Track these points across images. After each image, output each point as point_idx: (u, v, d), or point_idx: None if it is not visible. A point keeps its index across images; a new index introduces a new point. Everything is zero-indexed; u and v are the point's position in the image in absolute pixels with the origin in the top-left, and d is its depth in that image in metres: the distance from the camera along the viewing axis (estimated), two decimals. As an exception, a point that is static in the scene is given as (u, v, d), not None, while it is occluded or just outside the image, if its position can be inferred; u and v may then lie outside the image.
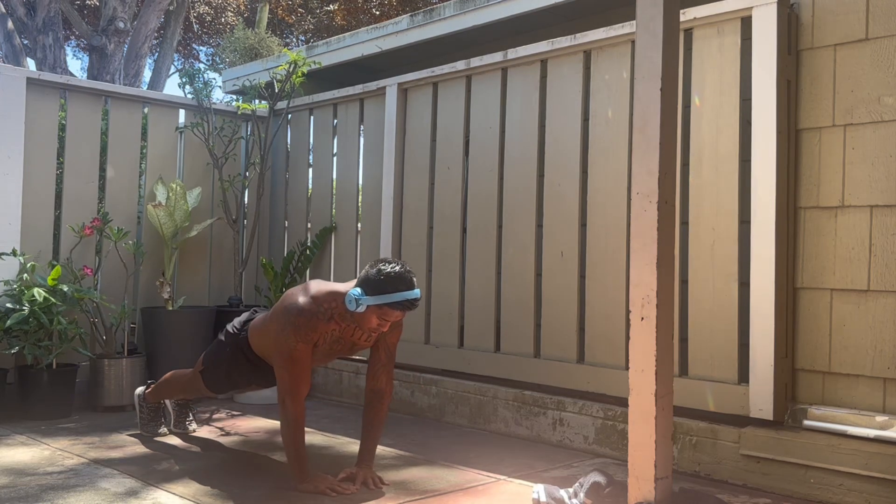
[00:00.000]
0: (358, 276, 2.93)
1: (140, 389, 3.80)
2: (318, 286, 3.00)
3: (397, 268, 2.83)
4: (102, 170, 4.78)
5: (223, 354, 3.36)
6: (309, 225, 5.22)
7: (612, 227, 3.61)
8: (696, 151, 3.35)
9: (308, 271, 5.08)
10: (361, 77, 5.45)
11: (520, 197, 4.00)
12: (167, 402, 3.78)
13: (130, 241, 4.61)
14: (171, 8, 14.20)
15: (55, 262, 4.31)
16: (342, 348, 3.10)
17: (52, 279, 4.09)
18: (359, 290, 2.82)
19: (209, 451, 3.51)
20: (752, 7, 3.16)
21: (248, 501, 2.78)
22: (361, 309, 2.81)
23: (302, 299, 2.94)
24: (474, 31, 4.96)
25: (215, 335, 4.81)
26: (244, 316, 3.41)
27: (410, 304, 2.84)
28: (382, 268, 2.82)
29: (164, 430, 3.74)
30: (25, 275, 4.13)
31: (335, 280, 4.95)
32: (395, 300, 2.80)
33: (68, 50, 17.36)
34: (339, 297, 2.93)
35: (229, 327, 3.40)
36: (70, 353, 4.18)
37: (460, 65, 4.27)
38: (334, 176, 5.09)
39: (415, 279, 2.87)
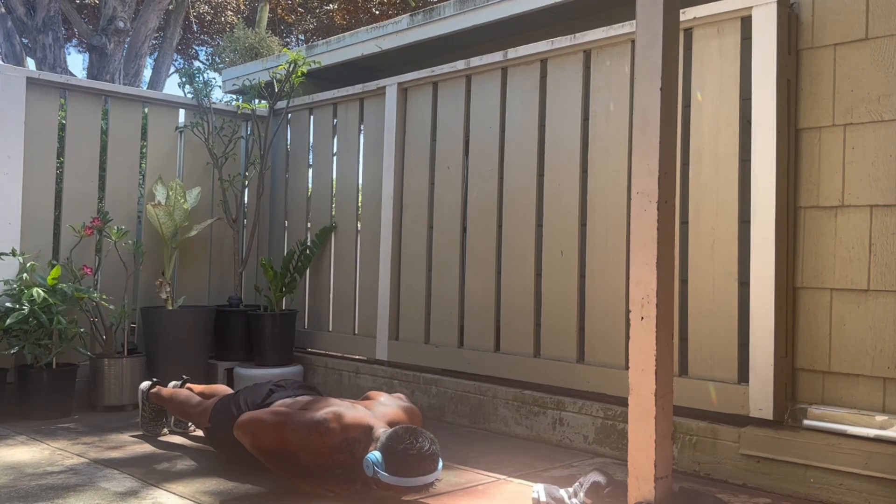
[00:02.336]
0: (384, 433, 2.75)
1: (145, 385, 3.77)
2: (355, 416, 2.88)
3: (424, 448, 2.66)
4: (102, 169, 4.78)
5: (232, 431, 3.16)
6: (309, 225, 5.22)
7: (612, 227, 3.61)
8: (696, 151, 3.35)
9: (308, 271, 5.08)
10: (361, 77, 5.46)
11: (520, 196, 4.00)
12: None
13: (130, 241, 4.61)
14: (170, 8, 14.20)
15: (55, 262, 4.31)
16: (343, 468, 2.99)
17: (52, 279, 4.09)
18: (379, 457, 2.67)
19: (209, 450, 3.51)
20: (751, 7, 3.16)
21: (248, 501, 2.78)
22: (376, 477, 2.70)
23: (334, 425, 2.83)
24: (474, 31, 4.96)
25: (215, 335, 4.84)
26: (262, 394, 3.26)
27: (426, 488, 2.73)
28: (408, 446, 2.65)
29: (164, 430, 3.74)
30: (25, 274, 4.13)
31: (334, 274, 4.96)
32: (411, 485, 2.68)
33: (68, 49, 17.35)
34: (366, 439, 2.83)
35: (243, 403, 3.23)
36: (70, 352, 4.19)
37: (460, 64, 4.27)
38: (334, 176, 5.09)
39: (439, 458, 2.72)
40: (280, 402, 3.15)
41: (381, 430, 2.82)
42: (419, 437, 2.68)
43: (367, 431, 2.84)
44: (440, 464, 2.72)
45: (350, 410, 2.92)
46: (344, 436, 2.82)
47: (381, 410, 3.01)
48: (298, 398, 3.16)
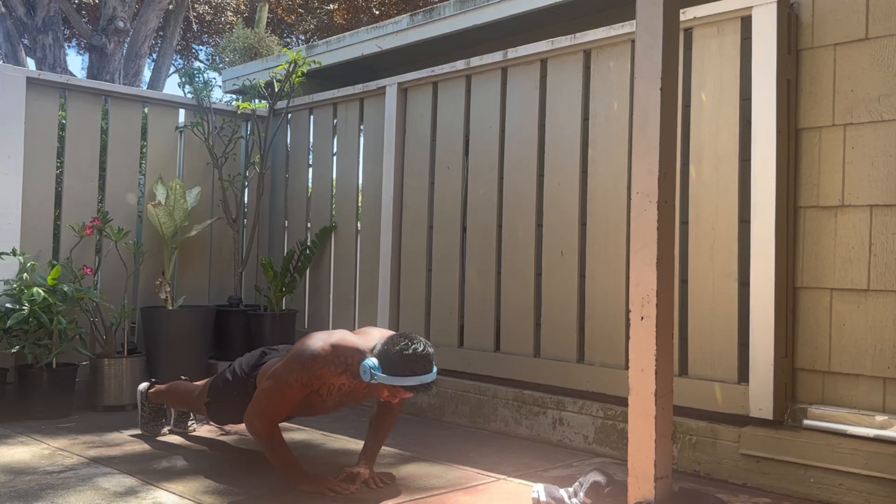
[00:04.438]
0: (379, 342, 2.85)
1: (143, 386, 3.77)
2: (342, 337, 2.95)
3: (419, 349, 2.76)
4: (102, 169, 4.78)
5: (230, 396, 3.26)
6: (309, 224, 5.22)
7: (612, 227, 3.61)
8: (696, 151, 3.35)
9: (308, 271, 5.08)
10: (361, 77, 5.46)
11: (520, 196, 4.00)
12: (167, 402, 3.78)
13: (130, 241, 4.61)
14: (170, 7, 14.20)
15: (55, 262, 4.31)
16: (353, 400, 3.05)
17: (52, 279, 4.09)
18: (376, 362, 2.77)
19: (209, 450, 3.51)
20: (751, 7, 3.17)
21: (247, 501, 2.78)
22: (375, 381, 2.78)
23: (321, 345, 2.89)
24: (474, 31, 4.96)
25: (215, 335, 4.84)
26: (254, 357, 3.30)
27: (425, 389, 2.80)
28: (404, 347, 2.75)
29: (164, 430, 3.74)
30: (25, 274, 4.12)
31: (334, 274, 4.96)
32: (409, 384, 2.75)
33: (68, 49, 17.35)
34: (358, 354, 2.88)
35: (237, 368, 3.28)
36: (70, 352, 4.18)
37: (460, 64, 4.27)
38: (334, 175, 5.09)
39: (434, 361, 2.81)
40: (271, 361, 3.18)
41: (374, 344, 2.88)
42: (414, 340, 2.79)
43: (357, 352, 2.89)
44: (434, 368, 2.81)
45: (338, 334, 2.99)
46: (334, 355, 2.87)
47: (370, 334, 3.04)
48: None
